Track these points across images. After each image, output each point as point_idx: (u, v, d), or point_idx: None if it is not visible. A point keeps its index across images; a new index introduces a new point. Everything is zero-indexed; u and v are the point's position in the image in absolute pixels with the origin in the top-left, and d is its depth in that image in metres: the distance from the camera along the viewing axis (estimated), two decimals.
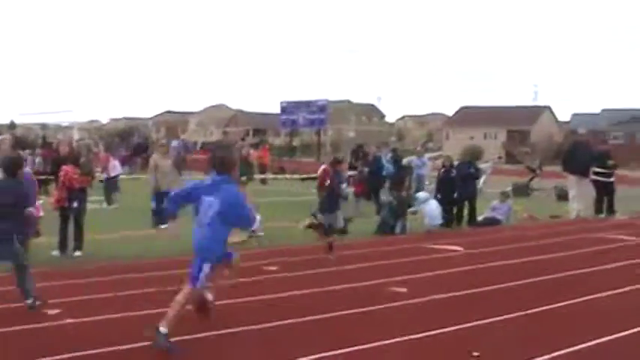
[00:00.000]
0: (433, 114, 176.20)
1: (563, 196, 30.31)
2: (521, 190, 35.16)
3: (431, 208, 20.54)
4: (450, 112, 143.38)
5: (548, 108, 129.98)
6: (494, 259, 15.33)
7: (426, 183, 29.17)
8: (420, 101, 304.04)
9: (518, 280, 12.86)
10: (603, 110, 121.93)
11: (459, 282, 12.56)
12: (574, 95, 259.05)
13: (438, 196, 22.13)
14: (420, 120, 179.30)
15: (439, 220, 20.64)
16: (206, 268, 8.57)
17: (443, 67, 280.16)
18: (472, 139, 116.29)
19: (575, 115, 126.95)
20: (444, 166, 23.11)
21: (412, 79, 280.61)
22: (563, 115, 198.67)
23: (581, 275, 13.67)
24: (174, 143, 56.64)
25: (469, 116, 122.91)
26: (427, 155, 32.30)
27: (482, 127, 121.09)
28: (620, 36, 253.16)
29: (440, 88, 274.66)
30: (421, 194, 21.33)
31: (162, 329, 8.19)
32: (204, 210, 8.62)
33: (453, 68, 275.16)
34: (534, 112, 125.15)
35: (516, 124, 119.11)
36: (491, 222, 22.65)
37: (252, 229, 18.47)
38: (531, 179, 38.53)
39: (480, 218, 22.81)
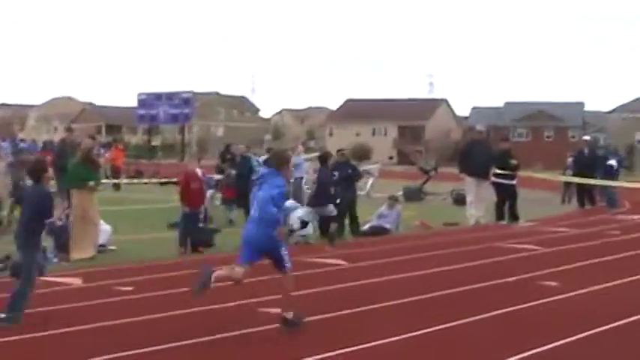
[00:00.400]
0: (315, 108, 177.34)
1: (460, 200, 30.95)
2: (414, 195, 35.79)
3: (300, 217, 20.66)
4: (334, 106, 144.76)
5: (445, 101, 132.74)
6: (382, 273, 15.51)
7: (306, 187, 29.32)
8: (299, 93, 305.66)
9: (409, 296, 13.07)
10: (507, 104, 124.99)
11: (341, 301, 12.67)
12: (474, 87, 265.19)
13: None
14: (300, 115, 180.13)
15: (310, 230, 20.77)
16: (284, 250, 10.66)
17: (326, 54, 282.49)
18: (359, 135, 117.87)
19: (475, 109, 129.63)
20: None
21: (290, 68, 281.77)
22: (462, 109, 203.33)
23: (476, 291, 13.98)
24: (4, 144, 55.11)
25: (356, 110, 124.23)
26: (303, 156, 32.45)
27: (371, 122, 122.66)
28: (524, 23, 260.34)
29: (322, 78, 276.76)
30: (288, 203, 21.31)
31: (288, 315, 10.51)
32: (254, 204, 10.71)
33: (337, 56, 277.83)
34: (429, 106, 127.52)
35: (409, 119, 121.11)
36: (378, 231, 22.92)
37: (102, 242, 18.29)
38: (425, 182, 39.20)
39: (365, 227, 23.06)
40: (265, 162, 10.81)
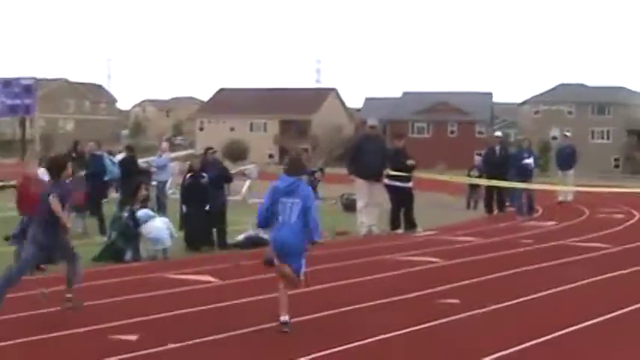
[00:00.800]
0: (182, 98, 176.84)
1: (350, 206, 31.16)
2: None
3: (156, 227, 20.59)
4: (205, 97, 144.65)
5: (335, 91, 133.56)
6: (256, 291, 15.52)
7: (170, 192, 29.21)
8: (164, 82, 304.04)
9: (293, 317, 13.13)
10: (405, 94, 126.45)
11: (207, 324, 12.65)
12: (368, 75, 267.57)
13: (184, 209, 22.25)
14: (165, 106, 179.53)
15: (168, 243, 20.70)
16: (303, 260, 12.43)
17: (195, 36, 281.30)
18: (234, 130, 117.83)
19: (368, 99, 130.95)
20: (191, 169, 23.11)
21: (153, 51, 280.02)
22: (354, 101, 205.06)
23: (363, 311, 14.11)
24: None
25: (230, 101, 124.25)
26: (165, 155, 32.21)
27: (248, 115, 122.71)
28: (425, 2, 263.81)
29: (191, 64, 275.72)
30: (141, 212, 21.16)
31: (284, 318, 12.13)
32: (287, 210, 12.37)
33: (209, 38, 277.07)
34: (316, 97, 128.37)
35: (293, 112, 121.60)
36: (254, 242, 22.84)
37: None
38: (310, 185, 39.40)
39: (239, 237, 23.01)
40: (290, 171, 12.61)
